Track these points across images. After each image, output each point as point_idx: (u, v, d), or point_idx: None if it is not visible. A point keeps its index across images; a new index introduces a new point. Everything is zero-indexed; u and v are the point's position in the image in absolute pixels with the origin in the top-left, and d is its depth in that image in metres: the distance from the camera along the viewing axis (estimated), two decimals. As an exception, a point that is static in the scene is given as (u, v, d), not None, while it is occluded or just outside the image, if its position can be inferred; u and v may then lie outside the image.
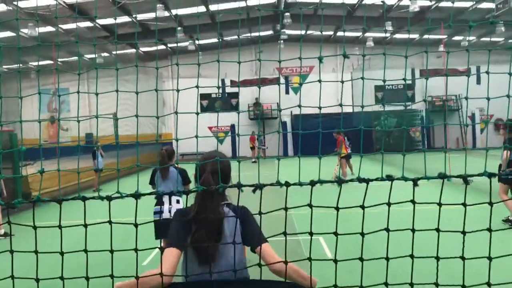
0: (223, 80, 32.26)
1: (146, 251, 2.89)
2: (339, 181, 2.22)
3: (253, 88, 32.63)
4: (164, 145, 7.94)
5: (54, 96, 31.02)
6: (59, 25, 21.40)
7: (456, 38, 28.92)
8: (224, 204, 2.53)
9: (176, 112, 2.60)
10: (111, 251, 2.32)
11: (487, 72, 2.51)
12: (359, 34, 30.17)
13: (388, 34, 28.58)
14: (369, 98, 29.11)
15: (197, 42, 28.66)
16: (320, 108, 2.33)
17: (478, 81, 29.85)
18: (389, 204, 2.26)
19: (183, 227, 2.46)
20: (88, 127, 28.56)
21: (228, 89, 32.99)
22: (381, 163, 2.41)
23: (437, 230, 2.32)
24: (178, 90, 2.56)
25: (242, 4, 22.22)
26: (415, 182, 2.19)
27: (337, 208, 2.26)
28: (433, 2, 21.89)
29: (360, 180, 2.17)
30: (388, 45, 30.00)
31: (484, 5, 21.45)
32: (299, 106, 2.57)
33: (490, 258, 2.27)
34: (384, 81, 2.32)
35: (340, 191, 2.29)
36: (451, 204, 2.26)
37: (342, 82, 2.41)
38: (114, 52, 28.20)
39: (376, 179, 2.19)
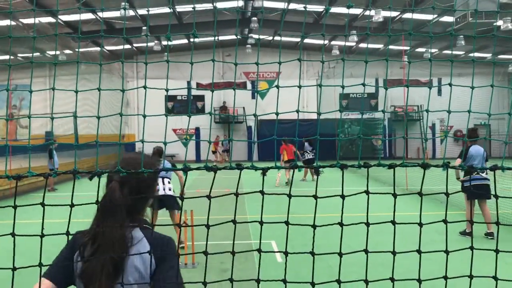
0: (188, 82, 32.00)
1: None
2: (294, 167, 2.10)
3: (219, 92, 32.48)
4: (126, 146, 9.27)
5: (13, 93, 30.02)
6: (19, 19, 20.71)
7: (419, 49, 29.68)
8: (136, 227, 1.88)
9: (144, 115, 2.35)
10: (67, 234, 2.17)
11: (450, 84, 2.50)
12: (325, 42, 30.52)
13: (353, 43, 29.04)
14: (334, 106, 29.41)
15: (164, 42, 28.34)
16: (277, 114, 2.25)
17: (439, 93, 30.71)
18: (343, 196, 2.21)
19: (70, 255, 1.87)
20: (48, 125, 27.75)
21: (194, 92, 32.74)
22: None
23: (419, 251, 2.23)
24: (145, 88, 2.37)
25: (209, 6, 22.11)
26: (391, 167, 2.14)
27: (289, 195, 2.06)
28: (397, 13, 22.38)
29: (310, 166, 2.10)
30: (353, 54, 30.50)
31: (445, 19, 22.09)
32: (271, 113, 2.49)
33: (446, 278, 2.25)
34: (342, 87, 2.27)
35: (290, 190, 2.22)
36: (431, 223, 2.19)
37: (300, 87, 2.34)
38: (77, 50, 27.54)
39: (331, 166, 2.07)
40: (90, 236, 1.83)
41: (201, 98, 32.79)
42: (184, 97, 32.92)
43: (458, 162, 8.52)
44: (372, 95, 33.30)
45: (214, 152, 28.63)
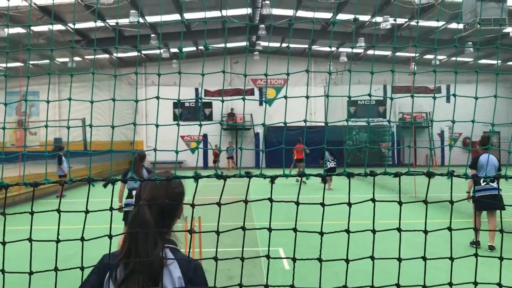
0: (196, 90, 32.13)
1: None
2: (301, 175, 2.14)
3: (227, 98, 32.53)
4: (129, 153, 9.01)
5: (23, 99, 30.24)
6: (30, 27, 20.94)
7: (427, 56, 29.62)
8: (168, 248, 1.86)
9: (156, 124, 2.38)
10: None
11: (454, 95, 2.52)
12: (333, 49, 30.55)
13: (361, 50, 29.04)
14: (341, 112, 29.41)
15: (171, 50, 28.50)
16: (285, 123, 2.28)
17: (448, 100, 30.60)
18: (349, 204, 2.22)
19: (99, 280, 1.84)
20: (57, 131, 27.95)
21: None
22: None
23: (424, 258, 2.24)
24: (158, 98, 2.41)
25: (218, 14, 22.25)
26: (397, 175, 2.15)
27: (297, 203, 2.12)
28: (405, 21, 22.37)
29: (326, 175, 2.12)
30: (360, 60, 30.48)
31: (453, 25, 22.04)
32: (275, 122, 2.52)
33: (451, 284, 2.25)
34: (349, 97, 2.29)
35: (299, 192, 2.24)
36: (434, 230, 2.20)
37: (307, 97, 2.37)
38: (86, 57, 27.79)
39: (338, 174, 2.13)
40: (122, 257, 1.79)
41: (209, 105, 32.90)
42: (192, 104, 33.05)
43: (472, 172, 8.17)
44: (380, 102, 33.23)
45: (214, 162, 28.69)
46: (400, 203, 2.13)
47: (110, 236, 2.02)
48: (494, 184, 7.93)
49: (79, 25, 22.38)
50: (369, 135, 31.14)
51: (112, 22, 21.98)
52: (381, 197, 2.10)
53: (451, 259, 2.20)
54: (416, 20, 21.07)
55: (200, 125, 2.37)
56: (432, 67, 27.26)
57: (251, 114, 31.34)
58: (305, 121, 2.33)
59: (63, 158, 15.91)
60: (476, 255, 2.20)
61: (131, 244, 1.79)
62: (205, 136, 32.13)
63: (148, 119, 32.22)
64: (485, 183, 7.99)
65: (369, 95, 2.27)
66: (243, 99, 2.35)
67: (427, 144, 30.14)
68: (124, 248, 1.81)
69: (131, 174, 7.28)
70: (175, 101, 31.30)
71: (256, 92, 33.09)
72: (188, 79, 27.91)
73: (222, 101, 2.43)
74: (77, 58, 27.42)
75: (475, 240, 8.24)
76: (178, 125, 2.39)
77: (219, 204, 2.03)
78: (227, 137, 32.32)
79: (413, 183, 14.14)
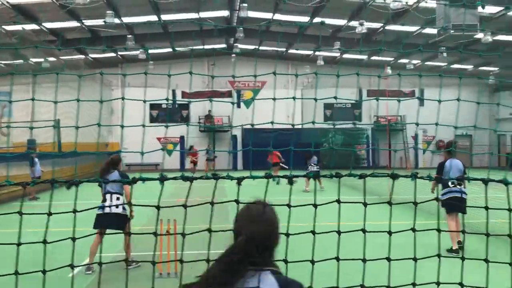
0: (173, 91, 31.96)
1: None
2: (268, 176, 2.19)
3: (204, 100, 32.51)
4: (110, 155, 8.67)
5: (-5, 100, 29.59)
6: (2, 26, 20.53)
7: (401, 61, 30.10)
8: (268, 271, 1.78)
9: (121, 125, 2.40)
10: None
11: (419, 98, 2.59)
12: (310, 52, 30.80)
13: (337, 54, 29.36)
14: (318, 116, 29.68)
15: (149, 51, 28.27)
16: (252, 125, 2.31)
17: (422, 103, 31.16)
18: (315, 205, 2.26)
19: None
20: (30, 132, 27.41)
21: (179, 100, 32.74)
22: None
23: (388, 259, 2.29)
24: (123, 99, 2.42)
25: (195, 16, 22.17)
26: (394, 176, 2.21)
27: (288, 206, 2.19)
28: (380, 25, 22.71)
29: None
30: (336, 64, 30.80)
31: (427, 30, 22.47)
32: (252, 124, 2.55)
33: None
34: (315, 99, 2.34)
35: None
36: (402, 231, 2.26)
37: (294, 98, 2.41)
38: (61, 58, 27.34)
39: (304, 176, 2.18)
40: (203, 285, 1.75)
41: (186, 106, 32.76)
42: (169, 106, 32.86)
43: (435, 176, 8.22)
44: (355, 105, 33.62)
45: (192, 162, 27.35)
46: (365, 204, 2.20)
47: (74, 239, 2.01)
48: (461, 188, 8.06)
49: (53, 25, 22.03)
50: (345, 137, 31.49)
51: (87, 22, 21.71)
52: (355, 199, 2.16)
53: (415, 259, 2.26)
54: (389, 25, 21.43)
55: (167, 126, 2.39)
56: (406, 71, 27.74)
57: (228, 116, 31.33)
58: (272, 122, 2.38)
59: (35, 160, 15.61)
60: (439, 255, 2.27)
61: (215, 277, 1.74)
62: (181, 138, 31.96)
63: (124, 121, 31.82)
64: (453, 185, 8.13)
65: (335, 97, 2.32)
66: (209, 100, 2.37)
67: (401, 146, 30.65)
68: (208, 280, 1.76)
69: (97, 177, 7.28)
70: (150, 102, 31.08)
71: (234, 94, 33.10)
72: (165, 81, 27.70)
73: (185, 103, 2.45)
74: (51, 58, 26.95)
75: (453, 248, 8.11)
76: (143, 125, 2.42)
77: (185, 206, 2.05)
78: (204, 139, 32.22)
79: (389, 186, 14.29)
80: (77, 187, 2.01)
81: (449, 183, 8.09)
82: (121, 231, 6.78)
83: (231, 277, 1.72)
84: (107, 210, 7.08)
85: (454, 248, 8.14)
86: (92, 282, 6.78)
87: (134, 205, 2.36)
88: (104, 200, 7.32)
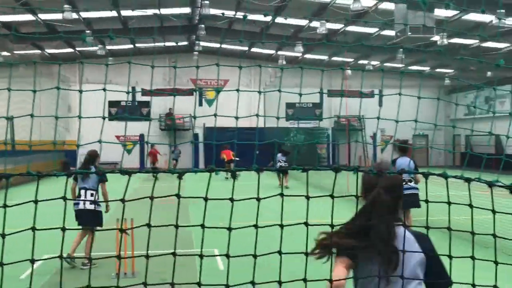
0: (133, 88, 31.40)
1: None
2: (210, 170, 2.25)
3: (165, 98, 32.11)
4: (66, 153, 8.70)
5: None
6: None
7: (361, 61, 30.69)
8: (400, 226, 2.11)
9: (79, 116, 2.35)
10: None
11: (360, 92, 2.63)
12: (272, 52, 30.96)
13: (299, 54, 29.60)
14: (281, 114, 29.82)
15: (108, 47, 27.68)
16: (237, 118, 2.30)
17: (380, 103, 31.84)
18: (258, 199, 2.26)
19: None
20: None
21: (139, 97, 32.23)
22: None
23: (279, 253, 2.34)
24: (80, 91, 2.35)
25: (155, 11, 21.86)
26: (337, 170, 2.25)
27: (231, 200, 2.24)
28: (341, 26, 23.06)
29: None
30: (298, 64, 31.08)
31: (386, 32, 23.01)
32: (215, 115, 2.54)
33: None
34: (259, 93, 2.37)
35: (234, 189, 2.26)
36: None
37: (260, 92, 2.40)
38: (15, 52, 26.39)
39: (248, 169, 2.29)
40: (357, 230, 2.09)
41: (146, 104, 32.25)
42: (129, 103, 32.28)
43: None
44: (317, 105, 34.07)
45: (151, 163, 26.44)
46: (307, 197, 2.30)
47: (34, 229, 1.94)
48: (412, 184, 8.52)
49: (6, 18, 21.23)
50: (306, 137, 31.83)
51: (43, 16, 21.04)
52: (312, 195, 2.23)
53: (306, 254, 2.34)
54: (349, 26, 21.79)
55: (127, 119, 2.34)
56: (365, 72, 28.30)
57: (190, 115, 31.08)
58: (214, 115, 2.42)
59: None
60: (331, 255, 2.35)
61: (366, 218, 2.09)
62: (141, 136, 31.46)
63: (82, 119, 30.97)
64: (404, 182, 8.47)
65: (280, 90, 2.33)
66: (170, 95, 2.33)
67: (361, 146, 31.23)
68: (360, 221, 2.11)
69: (79, 176, 7.36)
70: (110, 99, 30.39)
71: (196, 92, 32.86)
72: (124, 77, 27.19)
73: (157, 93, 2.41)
74: (4, 53, 25.97)
75: None
76: (103, 117, 2.35)
77: (151, 198, 2.10)
78: (164, 137, 31.84)
79: (346, 183, 14.55)
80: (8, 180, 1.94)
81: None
82: (100, 228, 7.18)
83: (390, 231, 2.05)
84: (81, 206, 7.22)
85: None
86: (47, 282, 6.58)
87: (105, 201, 2.32)
88: (79, 195, 7.42)
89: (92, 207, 7.23)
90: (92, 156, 7.67)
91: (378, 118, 2.72)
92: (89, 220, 7.22)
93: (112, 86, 27.47)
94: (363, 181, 2.23)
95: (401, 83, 3.01)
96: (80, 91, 2.33)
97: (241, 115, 2.48)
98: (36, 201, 2.02)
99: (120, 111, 31.99)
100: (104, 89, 2.35)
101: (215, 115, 2.57)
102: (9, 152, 16.85)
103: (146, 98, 32.15)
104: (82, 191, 7.42)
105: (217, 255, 6.10)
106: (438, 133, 34.34)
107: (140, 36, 24.96)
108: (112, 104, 31.58)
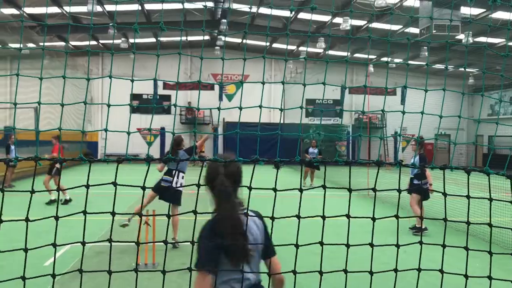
0: (155, 82, 31.65)
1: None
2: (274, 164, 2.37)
3: (186, 92, 32.33)
4: (88, 144, 8.98)
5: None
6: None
7: (385, 58, 30.35)
8: (245, 209, 2.35)
9: (108, 104, 2.43)
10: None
11: (405, 86, 2.60)
12: (293, 47, 30.86)
13: (321, 50, 29.45)
14: (300, 111, 29.70)
15: (131, 40, 27.95)
16: (260, 107, 2.32)
17: (402, 101, 31.50)
18: (250, 188, 2.27)
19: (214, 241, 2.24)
20: (7, 120, 26.96)
21: (160, 91, 32.50)
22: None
23: (347, 245, 2.34)
24: (111, 77, 2.43)
25: (179, 6, 21.97)
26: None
27: (274, 189, 2.36)
28: (364, 23, 22.85)
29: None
30: (320, 60, 30.88)
31: (410, 29, 22.71)
32: (240, 107, 2.56)
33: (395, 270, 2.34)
34: (262, 84, 2.36)
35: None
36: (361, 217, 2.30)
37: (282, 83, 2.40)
38: (41, 44, 26.82)
39: (250, 160, 2.38)
40: (220, 216, 2.25)
41: (167, 98, 32.53)
42: (150, 96, 32.59)
43: (428, 173, 9.35)
44: (337, 101, 33.86)
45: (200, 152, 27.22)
46: (324, 187, 2.40)
47: (26, 220, 1.98)
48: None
49: (34, 10, 21.60)
50: (327, 134, 31.68)
51: (68, 8, 21.33)
52: (341, 195, 2.22)
53: (371, 245, 2.36)
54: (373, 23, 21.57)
55: (154, 107, 2.39)
56: (389, 69, 28.01)
57: (210, 109, 31.21)
58: (240, 109, 2.39)
59: (12, 147, 15.34)
60: (397, 245, 2.35)
61: (225, 205, 2.27)
62: (162, 129, 31.74)
63: (104, 110, 31.47)
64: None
65: (323, 83, 2.33)
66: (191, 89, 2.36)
67: (381, 143, 30.96)
68: (224, 211, 2.27)
69: (169, 155, 7.64)
70: (132, 92, 30.78)
71: (216, 87, 32.95)
72: (147, 71, 27.44)
73: (177, 87, 2.44)
74: (31, 45, 26.43)
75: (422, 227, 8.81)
76: (130, 105, 2.38)
77: (198, 184, 2.35)
78: (185, 131, 32.04)
79: (366, 182, 14.48)
80: (61, 169, 1.99)
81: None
82: (177, 203, 7.70)
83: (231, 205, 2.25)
84: (172, 184, 7.70)
85: (418, 226, 9.03)
86: (70, 268, 6.71)
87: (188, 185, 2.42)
88: (171, 175, 7.83)
89: (181, 188, 7.70)
90: (177, 141, 8.17)
91: (403, 112, 2.71)
92: (174, 198, 7.52)
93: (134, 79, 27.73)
94: (208, 171, 2.37)
95: (427, 78, 2.99)
96: (110, 77, 2.43)
97: (259, 110, 2.52)
98: (87, 186, 2.16)
99: (142, 104, 32.33)
100: (132, 79, 2.45)
101: (239, 107, 2.62)
102: (34, 142, 17.18)
103: (167, 92, 32.40)
104: (176, 172, 7.83)
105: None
106: (460, 133, 33.82)
107: (165, 27, 25.06)
108: (134, 97, 31.96)
